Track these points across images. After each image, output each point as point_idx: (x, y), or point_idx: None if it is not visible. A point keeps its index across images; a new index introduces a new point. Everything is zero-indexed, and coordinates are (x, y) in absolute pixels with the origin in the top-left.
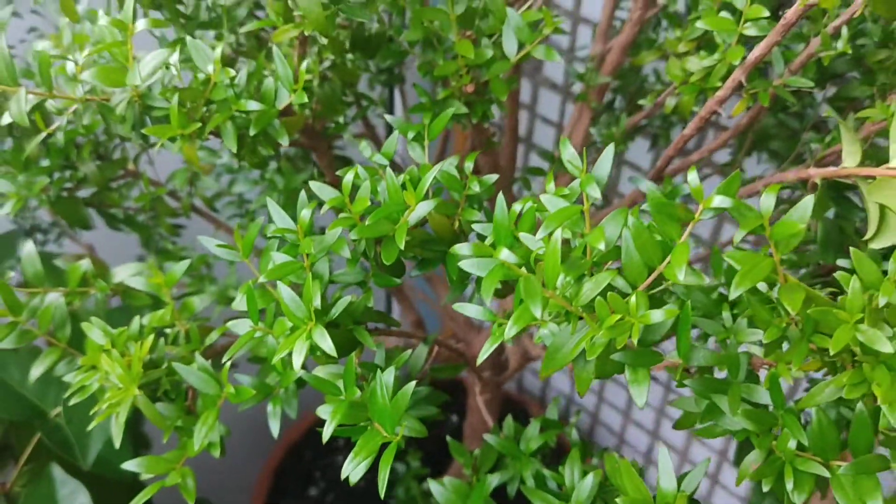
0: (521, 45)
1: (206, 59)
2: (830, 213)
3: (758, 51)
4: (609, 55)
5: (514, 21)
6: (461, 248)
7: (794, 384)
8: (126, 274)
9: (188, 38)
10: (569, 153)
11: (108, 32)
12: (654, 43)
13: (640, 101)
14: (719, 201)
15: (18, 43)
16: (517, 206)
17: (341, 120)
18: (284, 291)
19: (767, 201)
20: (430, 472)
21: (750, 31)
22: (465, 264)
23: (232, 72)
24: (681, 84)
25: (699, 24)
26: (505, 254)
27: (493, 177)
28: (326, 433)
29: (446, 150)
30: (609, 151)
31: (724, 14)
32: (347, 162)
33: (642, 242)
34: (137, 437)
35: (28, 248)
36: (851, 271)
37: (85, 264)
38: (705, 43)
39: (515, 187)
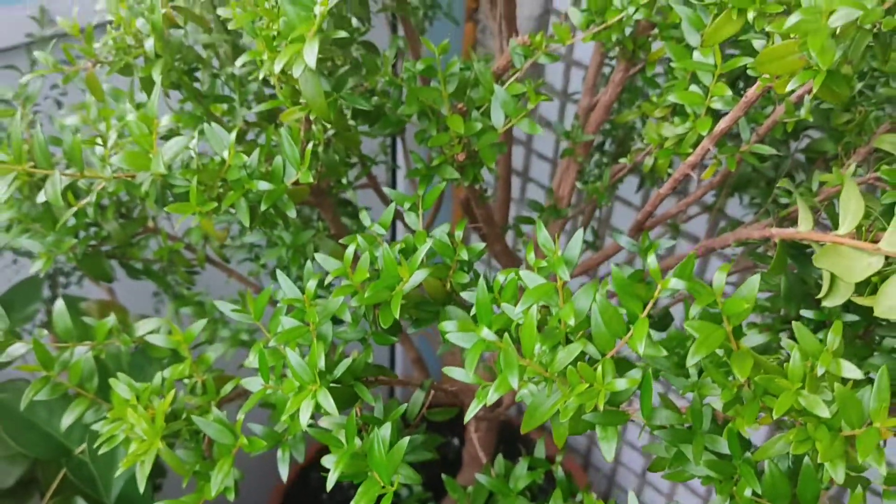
0: (507, 117)
1: (221, 144)
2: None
3: (723, 123)
4: (593, 113)
5: (500, 95)
6: (451, 312)
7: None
8: (147, 328)
9: (206, 125)
10: (542, 236)
11: (135, 127)
12: (635, 100)
13: (622, 160)
14: (674, 283)
15: (43, 100)
16: (501, 278)
17: (344, 180)
18: (292, 357)
19: (718, 280)
20: (432, 495)
21: (716, 104)
22: (451, 337)
23: (244, 157)
24: (656, 147)
25: (671, 98)
26: (485, 332)
27: (481, 245)
28: (331, 482)
29: (443, 200)
30: (578, 237)
31: (693, 87)
32: (350, 205)
33: (608, 317)
34: (154, 468)
35: (59, 306)
36: (811, 321)
37: (111, 320)
38: (680, 108)
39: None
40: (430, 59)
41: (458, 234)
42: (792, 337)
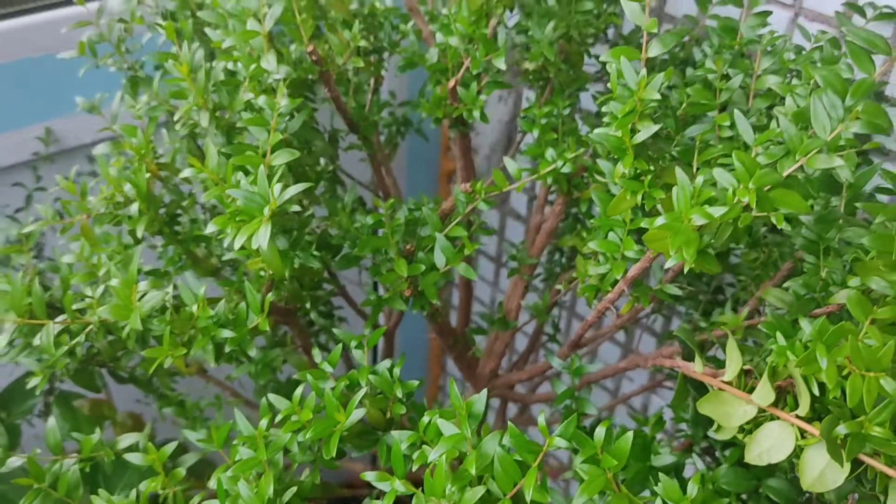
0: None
1: (192, 299)
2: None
3: (633, 271)
4: (538, 237)
5: (440, 242)
6: (388, 439)
7: None
8: (127, 443)
9: (179, 280)
10: (454, 395)
11: (118, 292)
12: (575, 227)
13: (558, 286)
14: (558, 441)
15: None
16: (426, 418)
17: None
18: (242, 489)
19: (599, 433)
20: None
21: (629, 253)
22: (374, 482)
23: (210, 310)
24: (582, 281)
25: (591, 245)
26: (397, 483)
27: (415, 382)
28: None
29: None
30: (482, 396)
31: (612, 235)
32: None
33: (506, 464)
34: None
35: (51, 423)
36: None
37: (95, 437)
38: None
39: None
40: (379, 214)
41: (397, 371)
42: (705, 451)
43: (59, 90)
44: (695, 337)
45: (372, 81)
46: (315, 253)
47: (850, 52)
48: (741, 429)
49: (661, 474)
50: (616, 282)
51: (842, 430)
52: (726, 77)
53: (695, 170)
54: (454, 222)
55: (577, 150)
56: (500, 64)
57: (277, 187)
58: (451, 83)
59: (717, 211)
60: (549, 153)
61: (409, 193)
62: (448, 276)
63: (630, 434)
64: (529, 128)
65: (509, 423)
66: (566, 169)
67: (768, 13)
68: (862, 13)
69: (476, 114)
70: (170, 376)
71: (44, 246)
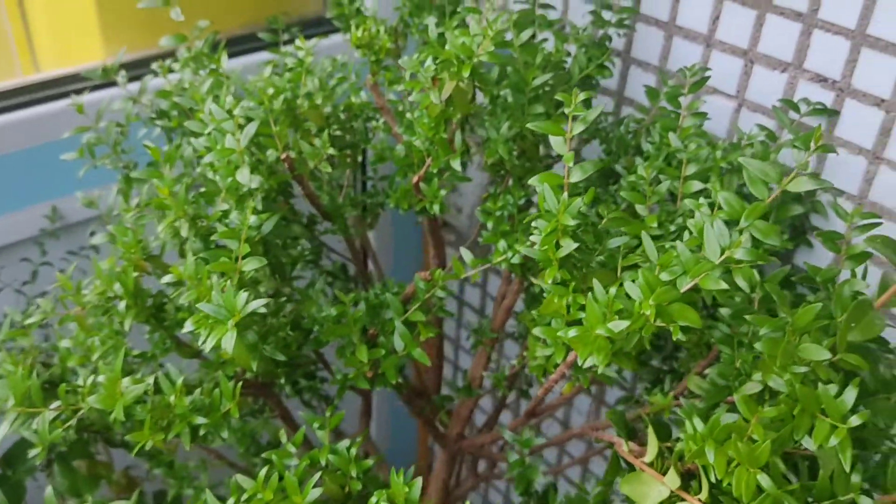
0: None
1: (171, 389)
2: None
3: (572, 356)
4: (498, 314)
5: (399, 329)
6: None
7: None
8: None
9: (160, 374)
10: (393, 477)
11: (105, 386)
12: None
13: (513, 362)
14: None
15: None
16: (373, 499)
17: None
18: None
19: None
20: None
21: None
22: None
23: (186, 400)
24: (532, 360)
25: (536, 331)
26: None
27: (370, 461)
28: None
29: None
30: (418, 483)
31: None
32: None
33: None
34: None
35: (48, 492)
36: None
37: (88, 503)
38: None
39: None
40: (342, 306)
41: (353, 451)
42: None
43: (64, 172)
44: (631, 412)
45: (348, 172)
46: (289, 333)
47: (748, 179)
48: None
49: None
50: (557, 365)
51: None
52: (657, 181)
53: (619, 272)
54: (413, 308)
55: (525, 243)
56: (457, 165)
57: (243, 297)
58: (415, 179)
59: (620, 325)
60: (501, 244)
61: (397, 256)
62: (408, 357)
63: None
64: (486, 219)
65: (508, 434)
66: (515, 260)
67: (704, 115)
68: (796, 109)
69: (436, 207)
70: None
71: (50, 324)
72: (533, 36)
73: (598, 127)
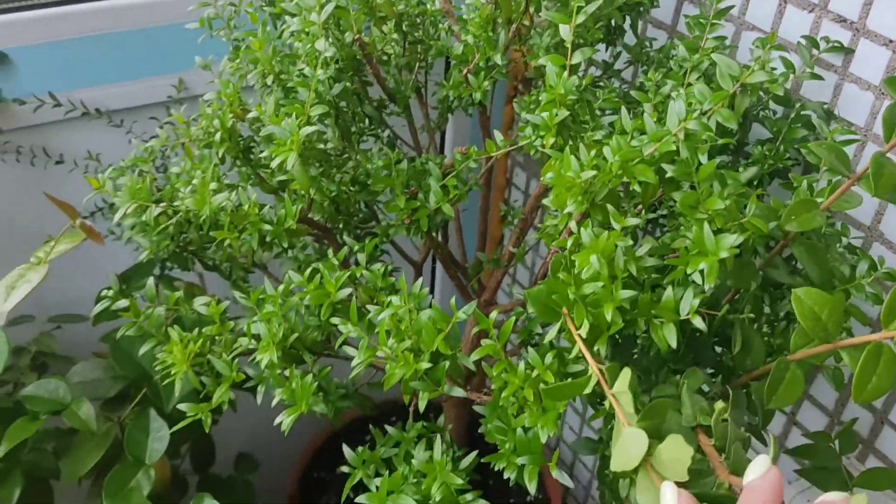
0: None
1: (247, 201)
2: None
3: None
4: (529, 201)
5: (433, 187)
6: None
7: None
8: (200, 303)
9: (240, 188)
10: (402, 280)
11: (198, 190)
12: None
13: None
14: (461, 314)
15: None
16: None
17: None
18: (261, 329)
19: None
20: None
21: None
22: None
23: (256, 209)
24: (543, 231)
25: (545, 201)
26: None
27: (392, 279)
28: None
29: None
30: (420, 282)
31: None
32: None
33: (428, 328)
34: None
35: (149, 284)
36: None
37: (179, 294)
38: None
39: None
40: (388, 160)
41: (382, 269)
42: None
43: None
44: None
45: (416, 65)
46: (351, 188)
47: (718, 73)
48: None
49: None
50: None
51: None
52: (663, 83)
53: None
54: (451, 174)
55: None
56: (499, 60)
57: (306, 129)
58: (465, 71)
59: (590, 173)
60: (527, 130)
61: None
62: (441, 214)
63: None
64: (521, 111)
65: (433, 303)
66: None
67: (723, 38)
68: (817, 45)
69: (478, 95)
70: (243, 270)
71: (168, 164)
72: None
73: (641, 50)
